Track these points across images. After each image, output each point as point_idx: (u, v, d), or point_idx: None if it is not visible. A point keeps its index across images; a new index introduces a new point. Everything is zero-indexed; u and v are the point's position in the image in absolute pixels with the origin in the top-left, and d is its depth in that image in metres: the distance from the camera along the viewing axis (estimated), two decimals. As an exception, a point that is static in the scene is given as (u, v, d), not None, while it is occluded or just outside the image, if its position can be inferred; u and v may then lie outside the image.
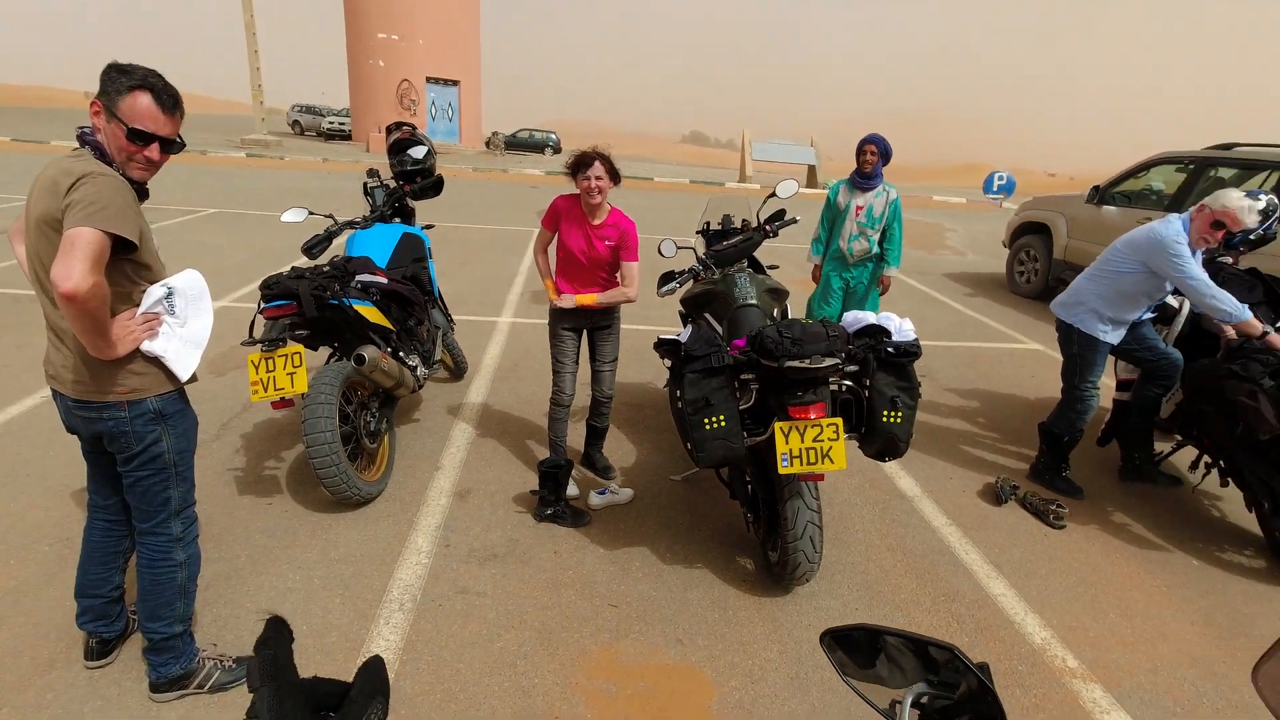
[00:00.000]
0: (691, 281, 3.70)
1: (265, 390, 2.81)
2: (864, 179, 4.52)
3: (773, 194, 3.74)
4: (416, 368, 3.64)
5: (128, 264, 1.86)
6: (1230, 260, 4.04)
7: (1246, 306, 3.26)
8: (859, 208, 4.54)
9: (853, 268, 4.70)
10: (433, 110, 29.00)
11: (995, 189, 21.18)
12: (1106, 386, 4.00)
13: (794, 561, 2.62)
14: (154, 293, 1.91)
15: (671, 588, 2.83)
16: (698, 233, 4.10)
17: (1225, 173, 6.71)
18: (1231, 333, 3.43)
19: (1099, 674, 2.53)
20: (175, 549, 2.11)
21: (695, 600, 2.77)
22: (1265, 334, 3.22)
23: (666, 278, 3.59)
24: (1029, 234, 8.76)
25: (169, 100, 1.82)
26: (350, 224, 3.94)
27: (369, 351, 3.05)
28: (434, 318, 4.10)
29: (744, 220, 3.98)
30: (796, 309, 4.37)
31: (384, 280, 3.38)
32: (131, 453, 1.97)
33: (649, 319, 6.31)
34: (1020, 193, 21.53)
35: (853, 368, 2.61)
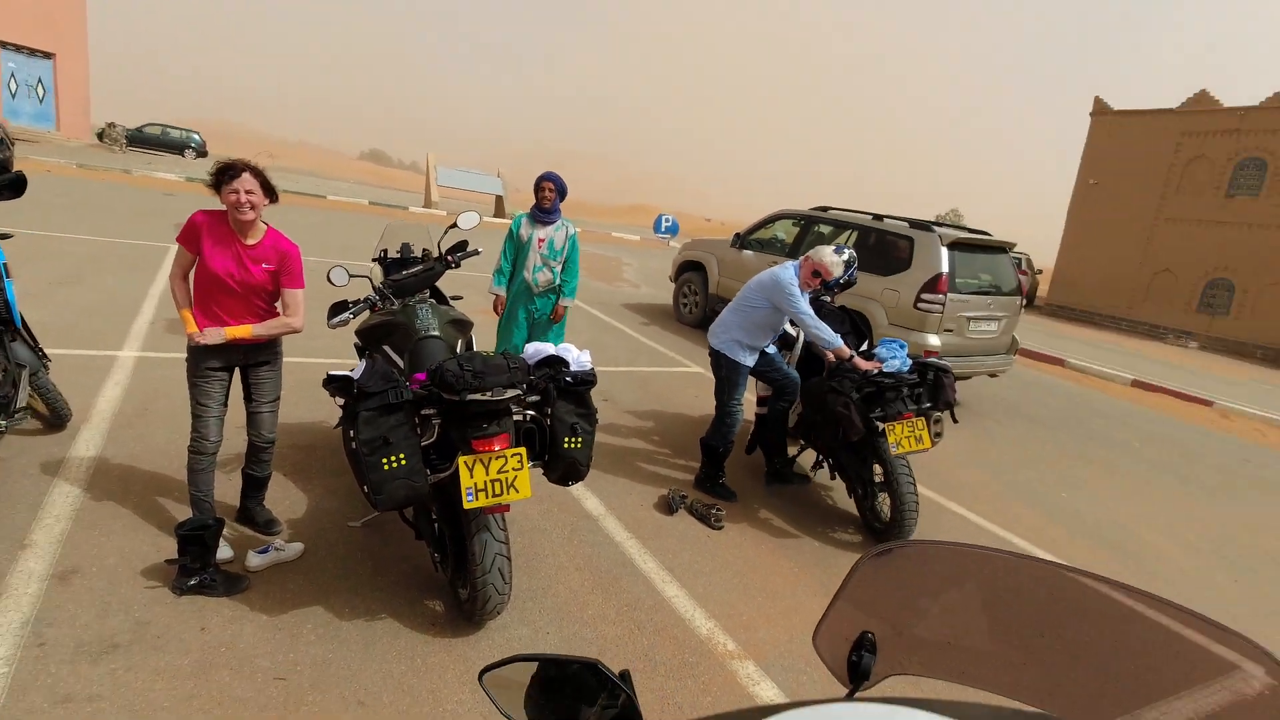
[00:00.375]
0: (368, 311, 3.46)
1: None
2: (544, 213, 4.74)
3: (454, 225, 3.69)
4: (-14, 419, 2.79)
5: None
6: (828, 299, 5.11)
7: (839, 336, 4.13)
8: (541, 240, 4.72)
9: (537, 299, 4.86)
10: (10, 85, 22.92)
11: (663, 229, 23.97)
12: (749, 403, 4.72)
13: (484, 595, 2.57)
14: None
15: (351, 646, 2.57)
16: (374, 260, 3.86)
17: (825, 228, 8.47)
18: (831, 357, 4.31)
19: (751, 651, 2.94)
20: None
21: (379, 654, 2.55)
22: (851, 357, 4.10)
23: (339, 307, 3.30)
24: (690, 271, 10.03)
25: None
26: None
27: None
28: (13, 351, 3.19)
29: (425, 250, 3.86)
30: (482, 339, 4.36)
31: (-72, 305, 2.53)
32: None
33: (315, 350, 5.72)
34: (683, 234, 24.62)
35: (534, 397, 2.67)
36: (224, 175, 2.68)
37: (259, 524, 3.16)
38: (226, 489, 3.29)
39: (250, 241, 2.80)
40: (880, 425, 3.86)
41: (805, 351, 4.77)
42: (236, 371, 2.95)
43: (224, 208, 2.74)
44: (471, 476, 2.42)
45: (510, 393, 2.45)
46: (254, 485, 3.14)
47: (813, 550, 3.92)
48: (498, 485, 2.45)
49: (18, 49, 22.75)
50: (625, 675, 0.89)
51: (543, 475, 2.82)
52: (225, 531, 2.91)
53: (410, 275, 3.51)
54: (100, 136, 25.87)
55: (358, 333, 3.62)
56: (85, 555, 2.80)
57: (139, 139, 27.48)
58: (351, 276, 3.42)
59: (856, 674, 0.92)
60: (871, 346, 4.51)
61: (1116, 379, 11.62)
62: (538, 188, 4.69)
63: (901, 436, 3.86)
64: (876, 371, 4.02)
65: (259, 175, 2.73)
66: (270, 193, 2.77)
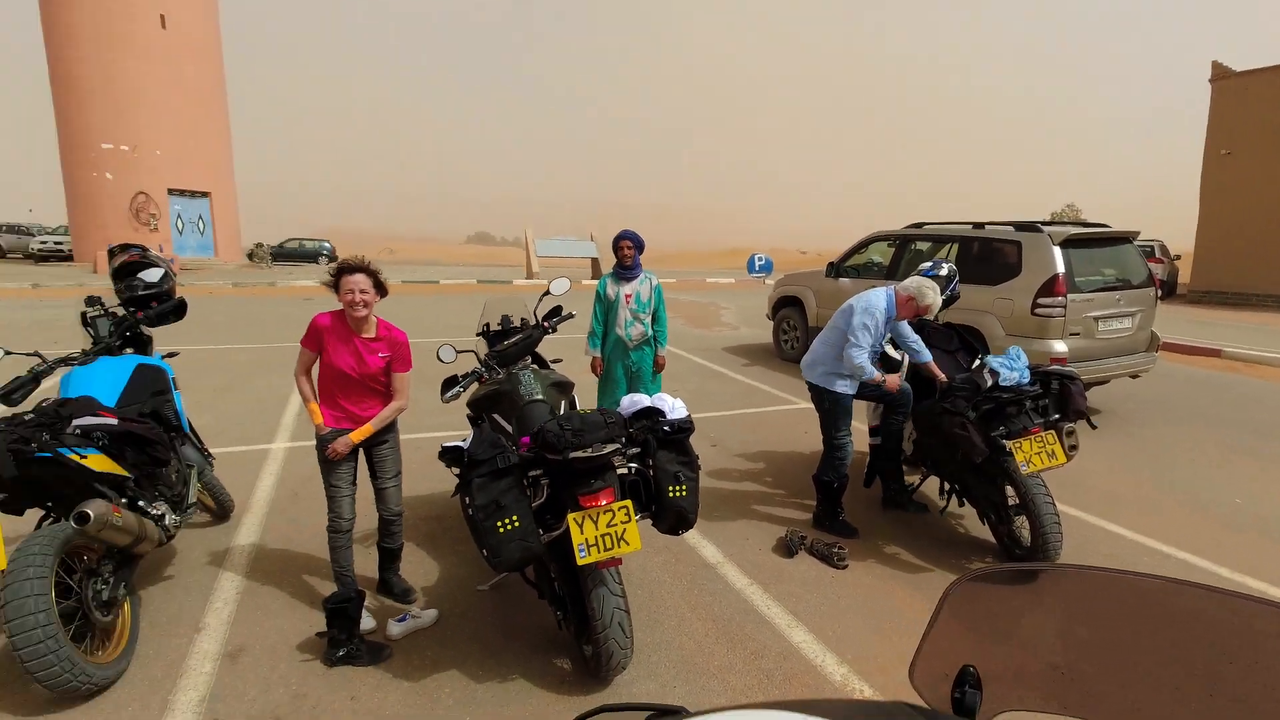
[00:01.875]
0: (476, 384, 3.67)
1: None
2: (626, 270, 4.91)
3: (547, 292, 3.88)
4: (163, 516, 3.16)
5: None
6: (932, 318, 4.90)
7: (928, 352, 4.17)
8: (628, 296, 4.88)
9: (632, 353, 4.98)
10: (179, 224, 26.48)
11: (757, 268, 23.90)
12: (860, 433, 4.56)
13: (607, 651, 2.60)
14: None
15: (485, 707, 2.65)
16: (478, 334, 4.11)
17: (922, 245, 8.18)
18: (942, 376, 4.12)
19: (889, 696, 2.76)
20: None
21: (512, 716, 2.61)
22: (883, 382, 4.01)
23: (450, 383, 3.53)
24: (787, 306, 9.92)
25: None
26: (65, 361, 3.40)
27: (94, 508, 2.59)
28: (185, 455, 3.62)
29: (522, 319, 4.07)
30: (585, 399, 4.49)
31: (113, 421, 2.94)
32: None
33: (437, 425, 6.08)
34: (778, 269, 24.47)
35: (634, 449, 2.72)
36: (340, 275, 2.97)
37: (396, 594, 3.35)
38: (366, 563, 3.52)
39: (367, 335, 3.07)
40: (1005, 443, 3.61)
41: (912, 373, 4.57)
42: (360, 453, 3.19)
43: (342, 307, 3.03)
44: (582, 532, 2.48)
45: (610, 447, 2.51)
46: (388, 557, 3.35)
47: (945, 584, 3.66)
48: (608, 539, 2.49)
49: (182, 193, 26.34)
50: None
51: (652, 526, 2.84)
52: (367, 603, 3.11)
53: (511, 344, 3.70)
54: (250, 256, 29.20)
55: (469, 404, 3.84)
56: (250, 634, 3.08)
57: (281, 254, 30.80)
58: (459, 352, 3.65)
59: (963, 710, 0.86)
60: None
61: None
62: (616, 247, 4.86)
63: (1031, 453, 3.59)
64: (951, 382, 3.87)
65: (371, 274, 3.00)
66: (380, 289, 3.04)
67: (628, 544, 2.50)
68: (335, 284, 2.99)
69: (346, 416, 3.08)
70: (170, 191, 25.96)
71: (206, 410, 6.45)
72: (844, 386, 4.07)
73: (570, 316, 3.93)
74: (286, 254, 31.17)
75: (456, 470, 2.70)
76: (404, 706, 2.65)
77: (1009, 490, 3.80)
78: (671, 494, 2.68)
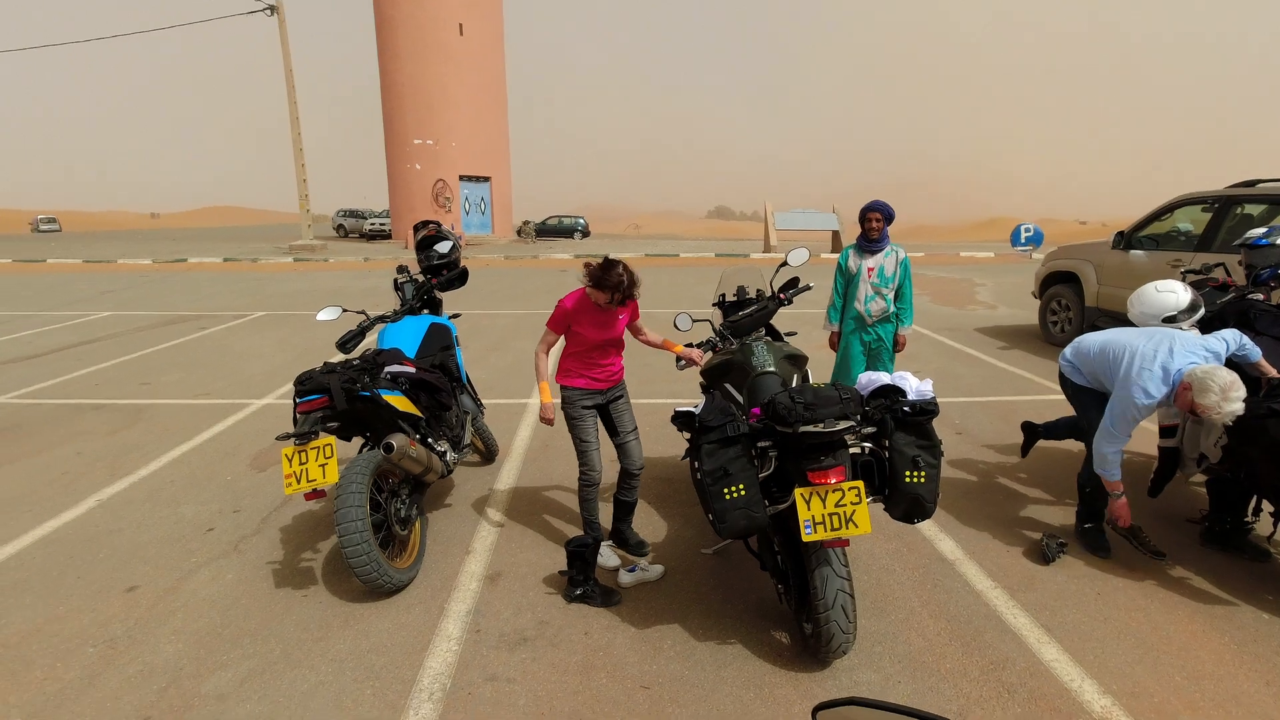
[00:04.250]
0: (710, 353, 3.76)
1: (298, 482, 2.91)
2: (870, 243, 4.66)
3: (784, 263, 3.82)
4: (445, 453, 3.72)
5: None
6: (1261, 297, 3.96)
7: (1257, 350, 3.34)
8: (870, 269, 4.63)
9: (871, 328, 4.74)
10: (466, 205, 30.47)
11: (1024, 241, 21.09)
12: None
13: (828, 633, 2.54)
14: None
15: (705, 667, 2.75)
16: (714, 305, 4.19)
17: (1252, 209, 6.61)
18: (1272, 371, 3.33)
19: (1168, 744, 2.36)
20: None
21: (730, 679, 2.68)
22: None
23: (684, 352, 3.65)
24: (1059, 283, 8.68)
25: None
26: (381, 318, 4.13)
27: (397, 440, 3.14)
28: (463, 403, 4.21)
29: (758, 290, 4.06)
30: (818, 373, 4.37)
31: (412, 370, 3.51)
32: None
33: (672, 392, 6.34)
34: (1049, 242, 21.41)
35: (870, 429, 2.59)
36: (604, 285, 3.10)
37: (630, 545, 3.60)
38: (603, 516, 3.82)
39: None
40: None
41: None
42: (599, 411, 3.45)
43: (582, 288, 3.24)
44: (809, 509, 2.44)
45: (843, 424, 2.42)
46: (624, 510, 3.60)
47: (1257, 624, 3.00)
48: (835, 519, 2.42)
49: (469, 179, 30.32)
50: None
51: (884, 510, 2.70)
52: (611, 546, 3.40)
53: (746, 316, 3.72)
54: (518, 233, 32.77)
55: (702, 373, 3.95)
56: (506, 562, 3.53)
57: (543, 230, 34.12)
58: (695, 321, 3.76)
59: None
60: None
61: None
62: (864, 218, 4.61)
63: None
64: None
65: (629, 290, 3.17)
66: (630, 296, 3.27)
67: (856, 526, 2.40)
68: (597, 285, 3.11)
69: (595, 378, 3.36)
70: (461, 177, 29.98)
71: (479, 366, 7.42)
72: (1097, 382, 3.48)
73: (808, 288, 3.83)
74: (548, 230, 34.40)
75: (687, 434, 2.81)
76: (630, 650, 2.85)
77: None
78: (908, 479, 2.52)
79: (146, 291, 15.05)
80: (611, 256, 3.25)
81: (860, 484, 2.45)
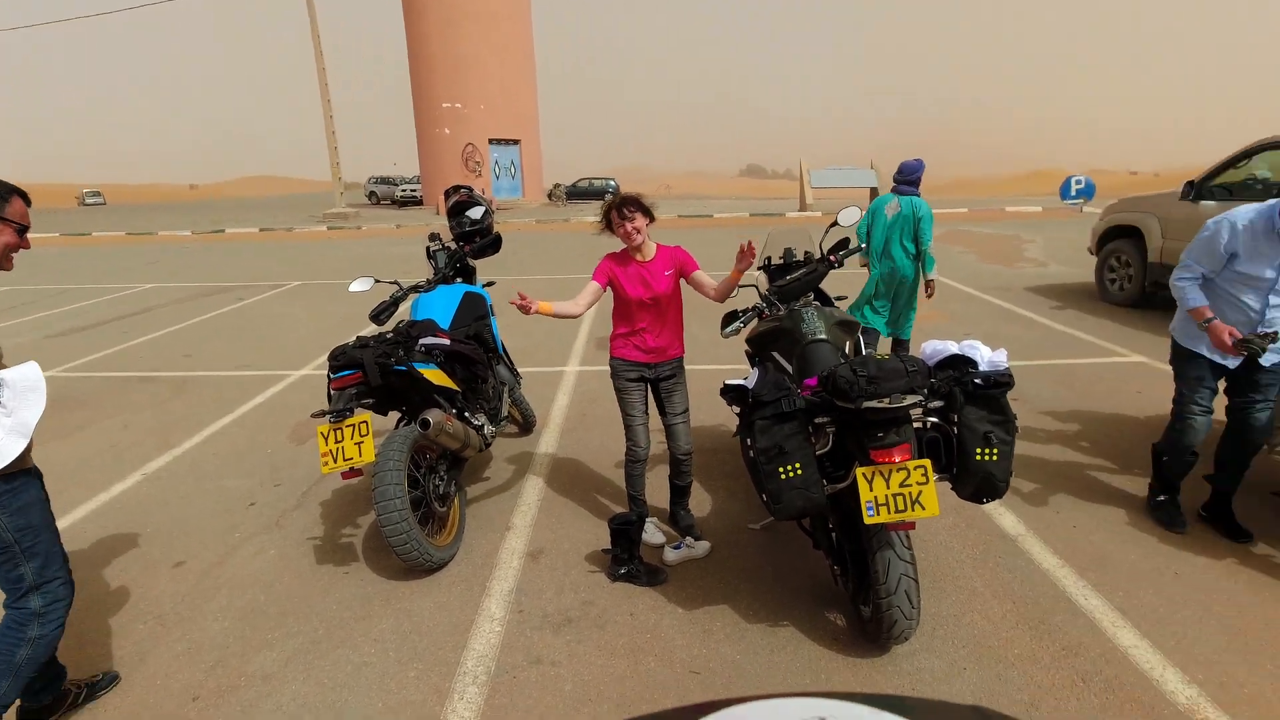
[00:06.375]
0: (756, 320, 3.57)
1: (335, 461, 2.84)
2: (898, 191, 5.14)
3: (835, 223, 3.59)
4: (483, 426, 3.63)
5: None
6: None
7: None
8: (891, 213, 5.09)
9: (895, 274, 5.17)
10: (496, 169, 30.25)
11: (1074, 193, 20.14)
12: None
13: (889, 619, 2.40)
14: None
15: (757, 650, 2.64)
16: (759, 269, 3.98)
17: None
18: None
19: (1265, 741, 2.18)
20: (32, 624, 2.16)
21: (783, 664, 2.57)
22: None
23: (730, 317, 3.47)
24: (1118, 238, 8.21)
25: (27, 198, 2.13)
26: (414, 288, 4.02)
27: (433, 415, 3.04)
28: (499, 374, 4.10)
29: (806, 252, 3.84)
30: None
31: (446, 341, 3.40)
32: None
33: (717, 358, 6.17)
34: (1101, 194, 20.41)
35: (937, 403, 2.40)
36: (609, 214, 3.07)
37: (681, 528, 3.45)
38: (654, 492, 3.68)
39: (648, 258, 3.12)
40: None
41: None
42: (650, 387, 3.29)
43: (621, 247, 3.11)
44: (871, 490, 2.27)
45: (910, 399, 2.23)
46: (678, 493, 3.45)
47: (1365, 610, 2.76)
48: (900, 500, 2.25)
49: (499, 142, 30.03)
50: None
51: (951, 489, 2.52)
52: (657, 523, 3.28)
53: (794, 280, 3.52)
54: (549, 196, 32.49)
55: (748, 340, 3.76)
56: (548, 539, 3.44)
57: (574, 193, 33.74)
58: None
59: None
60: None
61: None
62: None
63: None
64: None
65: (634, 203, 3.04)
66: (648, 213, 3.08)
67: (923, 508, 2.23)
68: (608, 224, 3.09)
69: (643, 348, 3.19)
70: (490, 141, 29.69)
71: (514, 334, 7.33)
72: (1189, 340, 3.21)
73: (860, 249, 3.60)
74: (579, 193, 34.01)
75: (738, 409, 2.65)
76: (678, 632, 2.75)
77: None
78: (980, 457, 2.33)
79: (187, 262, 15.29)
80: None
81: (927, 463, 2.27)
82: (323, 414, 2.97)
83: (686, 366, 3.37)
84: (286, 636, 2.79)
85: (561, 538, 3.45)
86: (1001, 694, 2.40)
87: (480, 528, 3.55)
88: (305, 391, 5.91)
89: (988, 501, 2.47)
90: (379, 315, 3.73)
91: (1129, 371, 5.73)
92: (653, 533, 3.35)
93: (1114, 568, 3.08)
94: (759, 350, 3.60)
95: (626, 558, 3.05)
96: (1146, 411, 4.81)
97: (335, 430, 2.85)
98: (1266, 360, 3.01)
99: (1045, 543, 3.29)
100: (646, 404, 3.28)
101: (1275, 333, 2.93)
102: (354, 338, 3.20)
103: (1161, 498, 3.45)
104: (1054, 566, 3.10)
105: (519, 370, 4.57)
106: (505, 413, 4.08)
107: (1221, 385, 3.27)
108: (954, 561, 3.16)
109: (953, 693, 2.40)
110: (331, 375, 3.03)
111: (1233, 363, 3.10)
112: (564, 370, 6.18)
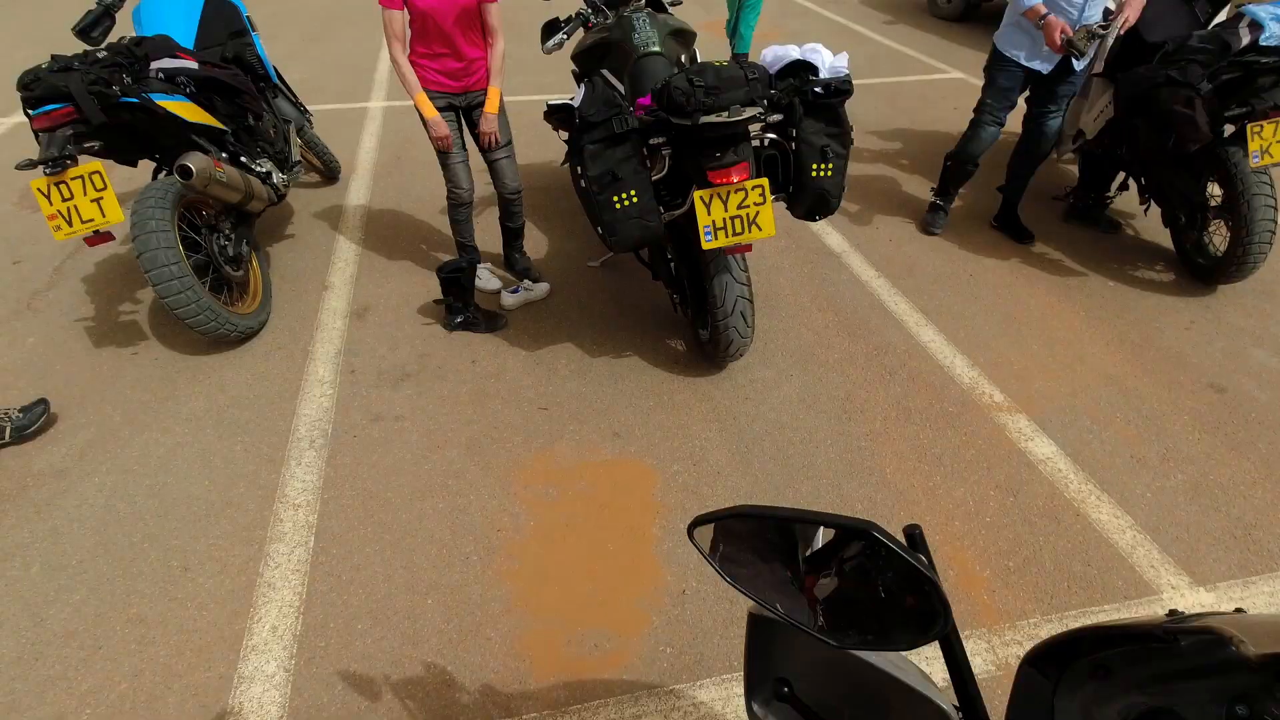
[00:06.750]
0: (581, 30, 3.10)
1: (69, 224, 2.27)
2: None
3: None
4: (270, 174, 3.06)
5: None
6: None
7: None
8: None
9: None
10: None
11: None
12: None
13: (726, 339, 2.48)
14: None
15: (602, 381, 2.69)
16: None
17: None
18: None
19: (1023, 404, 2.61)
20: None
21: (628, 391, 2.64)
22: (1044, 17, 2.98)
23: (550, 28, 2.98)
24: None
25: None
26: (134, -8, 3.04)
27: (195, 161, 2.46)
28: (279, 109, 3.39)
29: (637, -58, 3.27)
30: (706, 55, 3.82)
31: (194, 65, 2.67)
32: None
33: (542, 86, 5.54)
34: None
35: (777, 117, 2.25)
36: None
37: (518, 271, 3.27)
38: (485, 238, 3.40)
39: None
40: (1229, 128, 2.86)
41: (1129, 37, 3.53)
42: (461, 116, 2.84)
43: None
44: (709, 214, 2.17)
45: (749, 111, 2.05)
46: (511, 235, 3.19)
47: (1104, 292, 3.26)
48: (738, 222, 2.19)
49: None
50: (915, 535, 0.65)
51: (785, 209, 2.49)
52: (491, 269, 3.08)
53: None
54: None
55: (573, 57, 3.31)
56: (372, 296, 3.15)
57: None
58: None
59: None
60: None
61: None
62: None
63: (1271, 141, 2.84)
64: (1185, 41, 2.93)
65: None
66: None
67: (760, 229, 2.19)
68: None
69: (447, 73, 2.66)
70: None
71: (299, 63, 6.09)
72: (1014, 49, 3.21)
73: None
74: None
75: (565, 134, 2.35)
76: (523, 374, 2.71)
77: (1213, 188, 3.13)
78: (815, 173, 2.27)
79: None
80: None
81: (765, 181, 2.18)
82: (31, 164, 2.29)
83: (506, 95, 2.92)
84: (75, 429, 2.44)
85: (388, 292, 3.17)
86: (822, 393, 2.64)
87: (293, 290, 3.17)
88: (27, 142, 4.68)
89: (819, 219, 2.47)
90: (87, 30, 2.81)
91: (949, 89, 5.86)
92: (487, 278, 3.16)
93: (921, 274, 3.37)
94: (586, 67, 3.19)
95: (461, 306, 2.87)
96: (960, 127, 4.99)
97: (57, 185, 2.23)
98: (1079, 64, 3.09)
99: (865, 257, 3.49)
100: (464, 139, 2.86)
101: (1094, 27, 2.95)
102: (49, 57, 2.38)
103: (938, 202, 3.70)
104: (871, 278, 3.33)
105: (307, 106, 3.82)
106: (297, 157, 3.46)
107: (1022, 100, 3.38)
108: (783, 280, 3.30)
109: (780, 398, 2.61)
110: (30, 111, 2.29)
111: (1046, 67, 3.16)
112: (367, 106, 5.31)
